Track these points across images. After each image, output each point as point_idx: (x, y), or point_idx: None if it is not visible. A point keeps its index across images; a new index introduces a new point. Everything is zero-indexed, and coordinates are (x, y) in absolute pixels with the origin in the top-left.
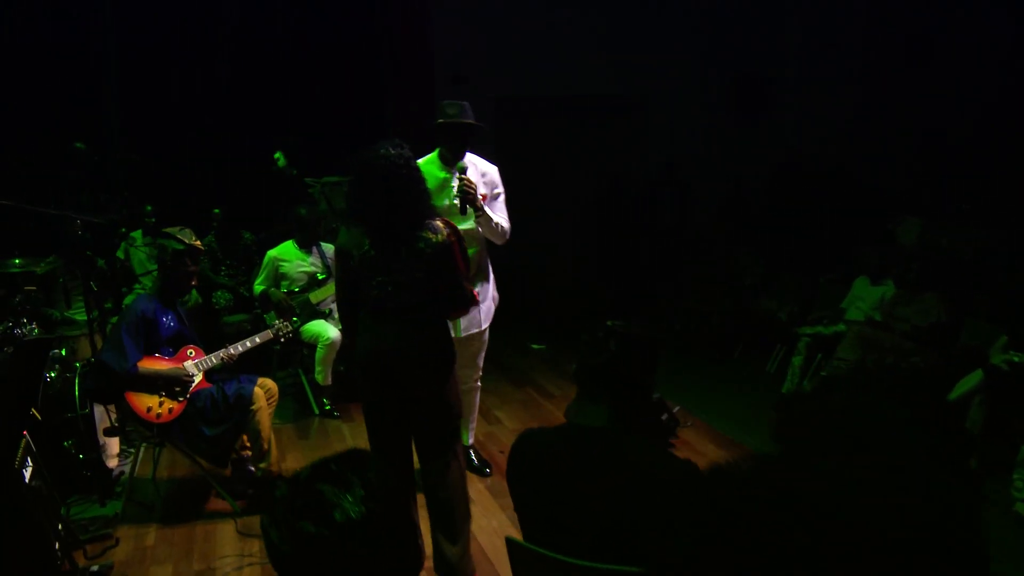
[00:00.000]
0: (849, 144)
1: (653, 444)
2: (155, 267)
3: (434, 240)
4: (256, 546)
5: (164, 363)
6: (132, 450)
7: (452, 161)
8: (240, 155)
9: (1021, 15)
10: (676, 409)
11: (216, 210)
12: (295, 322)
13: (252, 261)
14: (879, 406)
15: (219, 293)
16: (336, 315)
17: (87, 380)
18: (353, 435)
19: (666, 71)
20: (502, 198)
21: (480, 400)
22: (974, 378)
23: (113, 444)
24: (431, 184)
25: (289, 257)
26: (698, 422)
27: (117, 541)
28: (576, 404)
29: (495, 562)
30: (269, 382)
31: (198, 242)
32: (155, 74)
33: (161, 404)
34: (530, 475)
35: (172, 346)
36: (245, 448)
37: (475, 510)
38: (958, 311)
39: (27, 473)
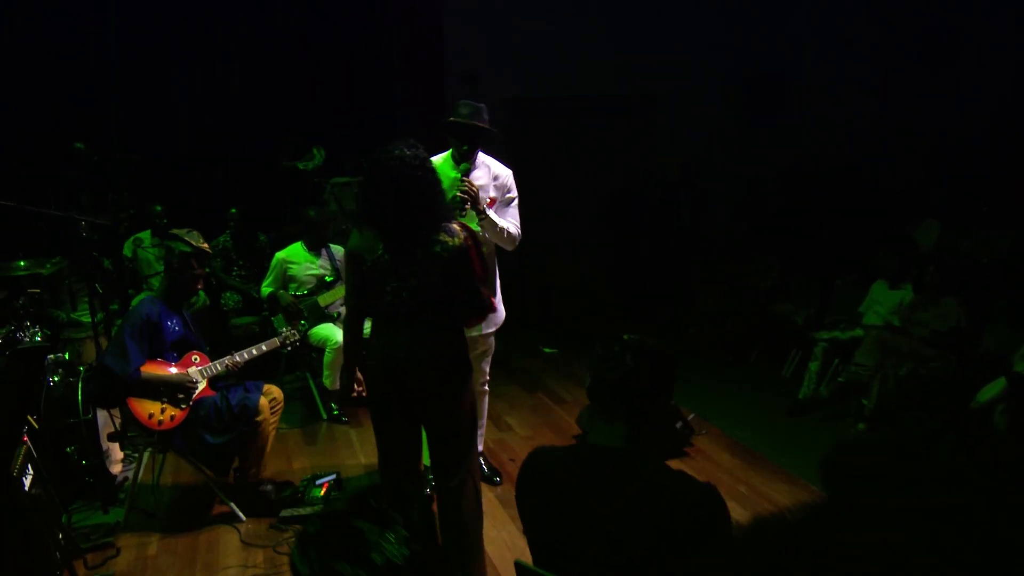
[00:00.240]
0: (865, 145)
1: (671, 466)
2: (163, 268)
3: (450, 243)
4: (260, 556)
5: (168, 369)
6: (136, 455)
7: (459, 161)
8: (249, 155)
9: None
10: (691, 417)
11: (232, 210)
12: (303, 325)
13: (265, 262)
14: (937, 453)
15: (228, 294)
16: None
17: (89, 384)
18: (361, 441)
19: (678, 71)
20: (515, 203)
21: (490, 405)
22: (997, 385)
23: (117, 449)
24: (443, 183)
25: (298, 259)
26: (713, 429)
27: (118, 551)
28: (590, 420)
29: (504, 575)
30: (275, 390)
31: (205, 245)
32: (158, 74)
33: (163, 411)
34: (541, 497)
35: (176, 351)
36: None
37: (484, 521)
38: (978, 316)
39: (27, 481)
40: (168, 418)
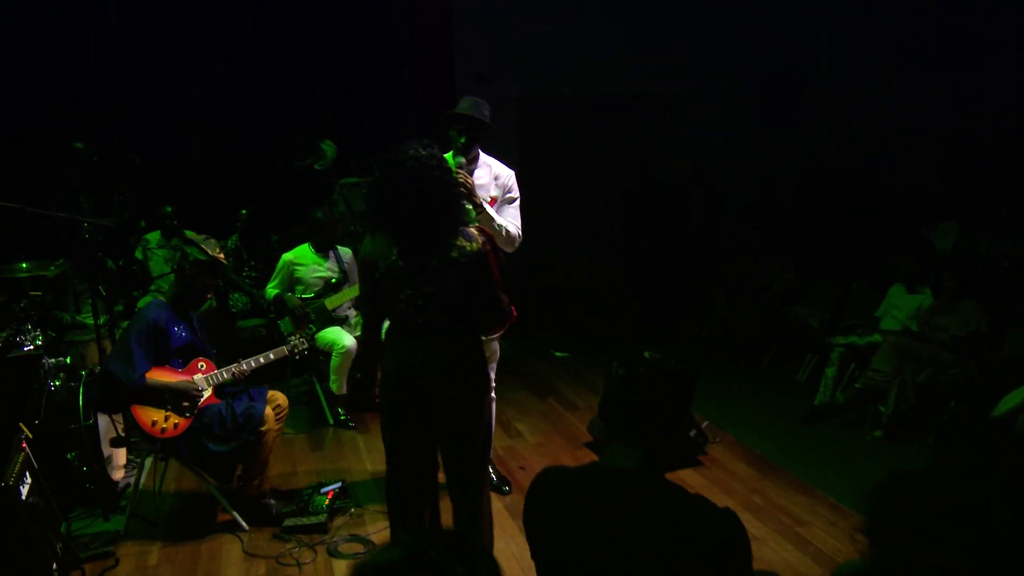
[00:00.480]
0: (882, 146)
1: (687, 490)
2: (171, 269)
3: (468, 248)
4: (263, 567)
5: (173, 375)
6: (139, 460)
7: (460, 153)
8: (256, 156)
9: None
10: (705, 424)
11: (243, 211)
12: (310, 329)
13: (276, 263)
14: (994, 497)
15: (236, 296)
16: (352, 321)
17: (92, 390)
18: (368, 447)
19: (693, 71)
20: (516, 203)
21: (499, 411)
22: (1020, 394)
23: (120, 455)
24: None
25: (305, 261)
26: (727, 437)
27: (117, 561)
28: (603, 440)
29: None
30: (280, 397)
31: (222, 255)
32: (161, 74)
33: (167, 418)
34: (550, 520)
35: (182, 357)
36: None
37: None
38: (999, 320)
39: (24, 489)
40: (172, 426)
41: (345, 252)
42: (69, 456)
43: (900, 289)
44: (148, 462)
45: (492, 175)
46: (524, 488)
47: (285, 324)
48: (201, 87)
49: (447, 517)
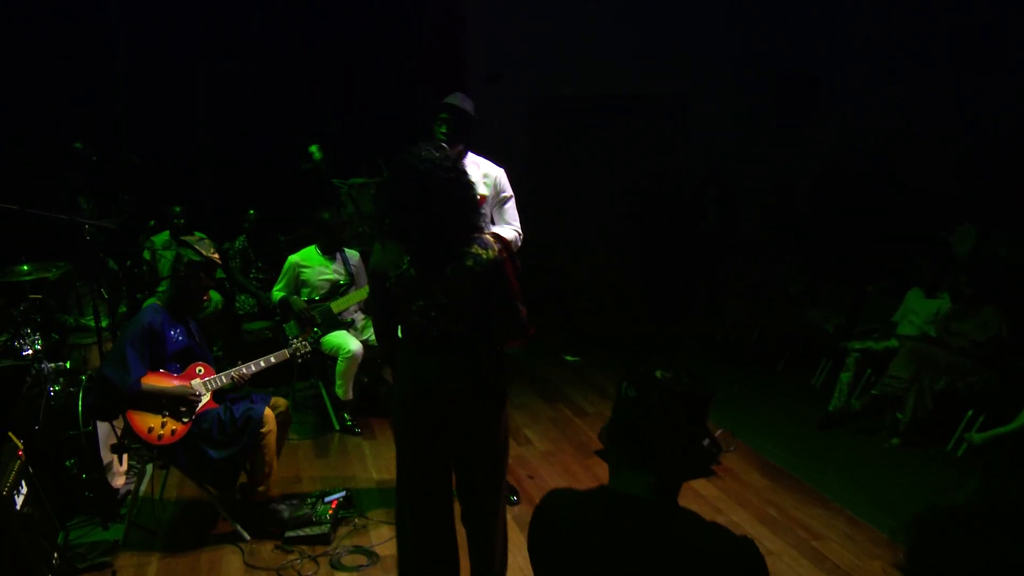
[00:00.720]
0: (899, 147)
1: (703, 518)
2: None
3: (484, 256)
4: None
5: (170, 380)
6: (139, 466)
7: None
8: (264, 157)
9: None
10: (718, 433)
11: (251, 212)
12: (316, 332)
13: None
14: None
15: (242, 298)
16: (358, 325)
17: (88, 396)
18: (374, 454)
19: (707, 71)
20: (511, 203)
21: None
22: None
23: (120, 461)
24: None
25: (311, 263)
26: (742, 446)
27: (114, 572)
28: (612, 464)
29: None
30: (282, 402)
31: (216, 255)
32: (167, 74)
33: (164, 425)
34: (556, 548)
35: (179, 362)
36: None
37: None
38: (1020, 326)
39: (19, 499)
40: (169, 432)
41: (352, 254)
42: (68, 463)
43: (917, 293)
44: (149, 468)
45: (480, 173)
46: (533, 498)
47: (290, 327)
48: (208, 87)
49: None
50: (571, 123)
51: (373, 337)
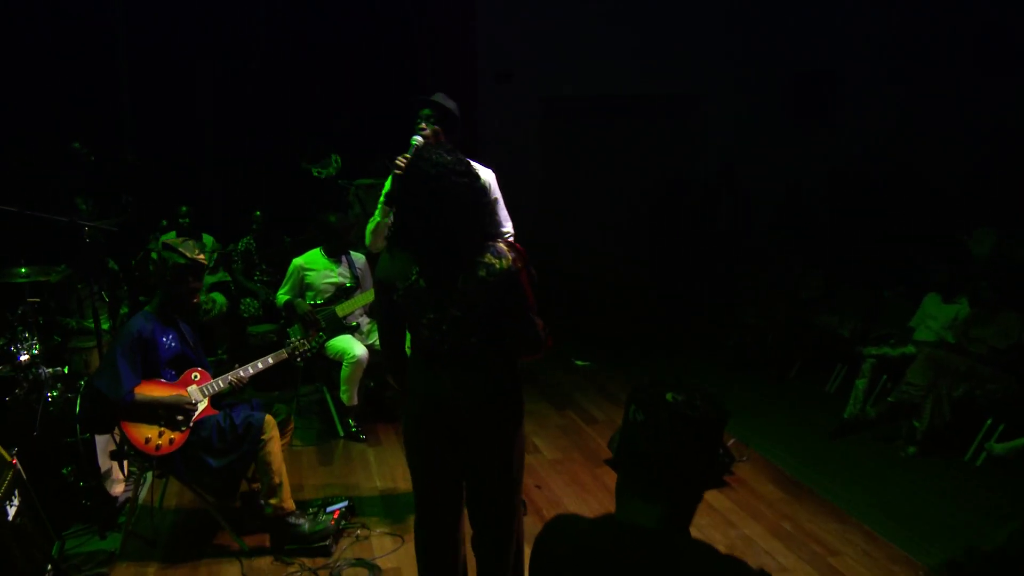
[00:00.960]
0: (916, 147)
1: (717, 550)
2: None
3: (497, 266)
4: None
5: (165, 388)
6: (136, 470)
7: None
8: (271, 157)
9: None
10: (731, 442)
11: (257, 212)
12: (320, 336)
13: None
14: None
15: (247, 300)
16: (364, 329)
17: (81, 408)
18: (379, 461)
19: (720, 70)
20: (500, 203)
21: None
22: None
23: (120, 467)
24: None
25: (316, 266)
26: (755, 455)
27: None
28: (619, 492)
29: None
30: (284, 409)
31: (201, 256)
32: (173, 74)
33: (161, 435)
34: None
35: (174, 368)
36: (256, 482)
37: None
38: None
39: (11, 509)
40: (167, 442)
41: (358, 257)
42: (64, 471)
43: (935, 298)
44: (148, 476)
45: None
46: (540, 509)
47: (295, 331)
48: (212, 87)
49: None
50: (581, 123)
51: (379, 341)
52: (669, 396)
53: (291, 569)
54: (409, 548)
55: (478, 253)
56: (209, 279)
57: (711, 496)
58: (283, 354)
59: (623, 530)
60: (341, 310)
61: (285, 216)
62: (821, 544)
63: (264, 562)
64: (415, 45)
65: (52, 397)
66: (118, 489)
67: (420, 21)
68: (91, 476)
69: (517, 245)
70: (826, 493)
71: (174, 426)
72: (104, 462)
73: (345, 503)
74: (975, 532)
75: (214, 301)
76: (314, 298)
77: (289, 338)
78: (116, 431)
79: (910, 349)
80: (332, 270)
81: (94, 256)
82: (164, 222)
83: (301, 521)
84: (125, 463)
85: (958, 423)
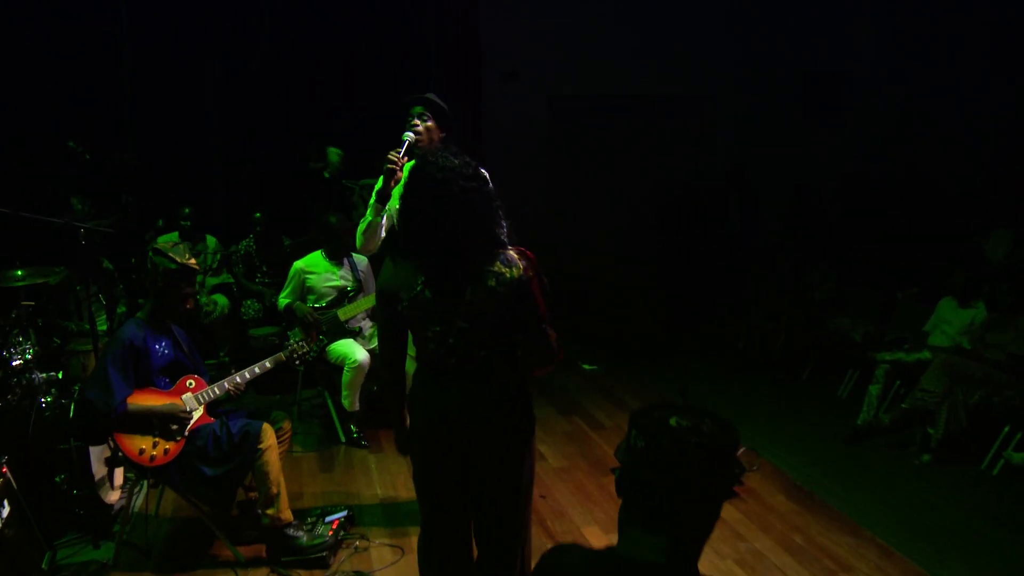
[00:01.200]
0: (926, 147)
1: None
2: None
3: (508, 275)
4: None
5: (159, 397)
6: (133, 476)
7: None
8: (274, 158)
9: None
10: (741, 451)
11: (257, 214)
12: (321, 340)
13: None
14: None
15: (248, 303)
16: (366, 333)
17: (72, 420)
18: (380, 469)
19: (730, 70)
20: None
21: None
22: None
23: (117, 474)
24: None
25: (317, 269)
26: (765, 464)
27: None
28: (620, 523)
29: None
30: (282, 417)
31: (193, 260)
32: (177, 74)
33: (155, 445)
34: None
35: (169, 376)
36: (253, 490)
37: None
38: None
39: None
40: (161, 452)
41: (360, 260)
42: (58, 479)
43: (950, 303)
44: (144, 483)
45: None
46: (544, 519)
47: (295, 334)
48: (216, 87)
49: None
50: (588, 124)
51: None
52: (673, 421)
53: None
54: (409, 560)
55: (487, 261)
56: (211, 280)
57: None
58: (281, 358)
59: (624, 565)
60: (343, 314)
61: (285, 216)
62: (833, 559)
63: (260, 574)
64: (418, 45)
65: (46, 403)
66: (113, 497)
67: (425, 20)
68: (85, 484)
69: (528, 252)
70: (838, 503)
71: (169, 436)
72: (98, 469)
73: (344, 512)
74: (992, 544)
75: (216, 303)
76: (315, 302)
77: (288, 341)
78: (110, 442)
79: (925, 355)
80: (334, 273)
81: (91, 257)
82: (160, 222)
83: (299, 533)
84: (122, 469)
85: (974, 430)
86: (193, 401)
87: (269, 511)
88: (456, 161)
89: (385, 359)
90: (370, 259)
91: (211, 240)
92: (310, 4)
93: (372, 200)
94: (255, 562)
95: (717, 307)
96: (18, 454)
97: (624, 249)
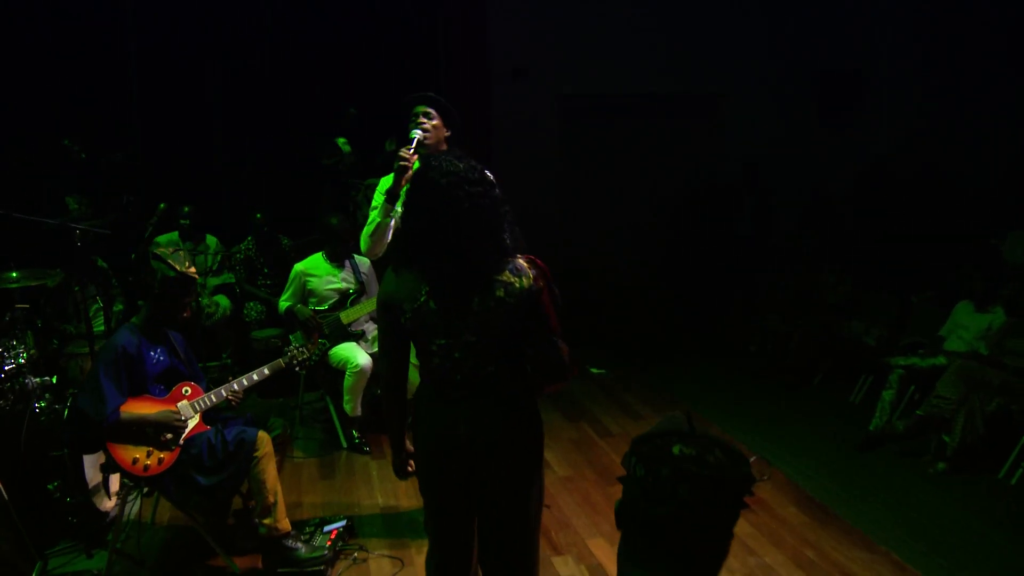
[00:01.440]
0: (945, 147)
1: None
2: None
3: (517, 286)
4: None
5: (153, 405)
6: (129, 483)
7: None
8: (277, 158)
9: None
10: (752, 460)
11: (258, 215)
12: (323, 343)
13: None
14: None
15: (251, 304)
16: (369, 337)
17: (64, 430)
18: (381, 476)
19: (743, 68)
20: None
21: None
22: None
23: (113, 480)
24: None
25: (318, 272)
26: (777, 474)
27: None
28: (621, 560)
29: None
30: (279, 424)
31: (192, 268)
32: (179, 74)
33: (149, 454)
34: None
35: (164, 383)
36: (251, 499)
37: None
38: None
39: None
40: (155, 462)
41: (362, 262)
42: (51, 487)
43: (967, 307)
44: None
45: None
46: (548, 531)
47: (296, 338)
48: (220, 87)
49: None
50: (599, 122)
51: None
52: (676, 449)
53: None
54: (408, 572)
55: (495, 271)
56: (213, 281)
57: None
58: (280, 364)
59: None
60: (347, 316)
61: (286, 217)
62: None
63: None
64: (424, 44)
65: (40, 408)
66: (108, 504)
67: (430, 19)
68: (78, 491)
69: (538, 261)
70: (851, 514)
71: (164, 445)
72: (93, 476)
73: (343, 522)
74: (1010, 556)
75: (217, 304)
76: (316, 305)
77: (290, 344)
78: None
79: (940, 360)
80: (335, 275)
81: (87, 258)
82: (163, 205)
83: (297, 544)
84: (118, 475)
85: (992, 438)
86: (189, 409)
87: (266, 520)
88: (461, 165)
89: (385, 378)
90: (373, 263)
91: (212, 240)
92: (312, 4)
93: (381, 200)
94: (251, 573)
95: (729, 310)
96: (10, 461)
97: (634, 250)
